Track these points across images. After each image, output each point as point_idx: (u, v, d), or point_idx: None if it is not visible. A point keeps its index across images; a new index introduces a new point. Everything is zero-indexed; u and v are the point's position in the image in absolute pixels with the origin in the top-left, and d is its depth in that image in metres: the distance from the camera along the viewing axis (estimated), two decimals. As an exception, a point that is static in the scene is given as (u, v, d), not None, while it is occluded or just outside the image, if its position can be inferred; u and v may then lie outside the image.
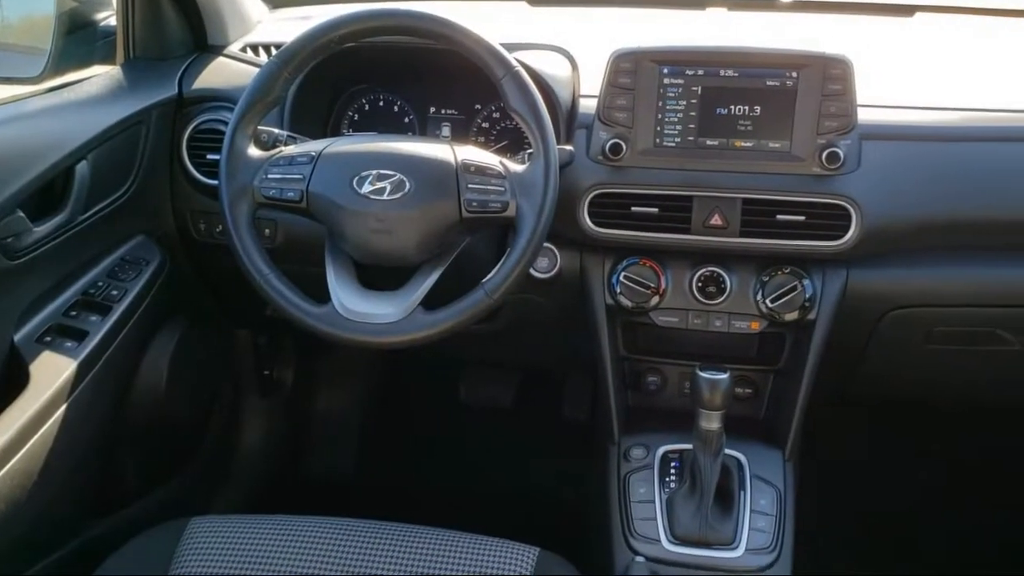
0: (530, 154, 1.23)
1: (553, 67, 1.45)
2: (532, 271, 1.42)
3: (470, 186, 1.20)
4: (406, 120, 1.58)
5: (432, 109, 1.58)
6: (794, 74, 1.31)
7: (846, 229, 1.33)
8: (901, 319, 1.43)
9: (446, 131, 1.57)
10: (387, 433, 2.28)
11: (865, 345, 1.48)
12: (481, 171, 1.21)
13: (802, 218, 1.33)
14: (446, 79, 1.51)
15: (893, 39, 1.70)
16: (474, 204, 1.20)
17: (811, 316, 1.39)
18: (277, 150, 1.27)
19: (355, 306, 1.20)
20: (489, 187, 1.20)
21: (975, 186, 1.36)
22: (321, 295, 1.23)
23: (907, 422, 2.06)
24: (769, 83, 1.32)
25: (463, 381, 2.24)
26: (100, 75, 1.52)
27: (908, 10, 1.77)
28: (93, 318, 1.36)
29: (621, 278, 1.41)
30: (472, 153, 1.24)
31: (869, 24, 1.77)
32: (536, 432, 2.17)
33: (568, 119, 1.41)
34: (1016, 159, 1.36)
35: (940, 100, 1.42)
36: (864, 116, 1.32)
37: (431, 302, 1.22)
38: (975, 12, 1.83)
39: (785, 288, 1.38)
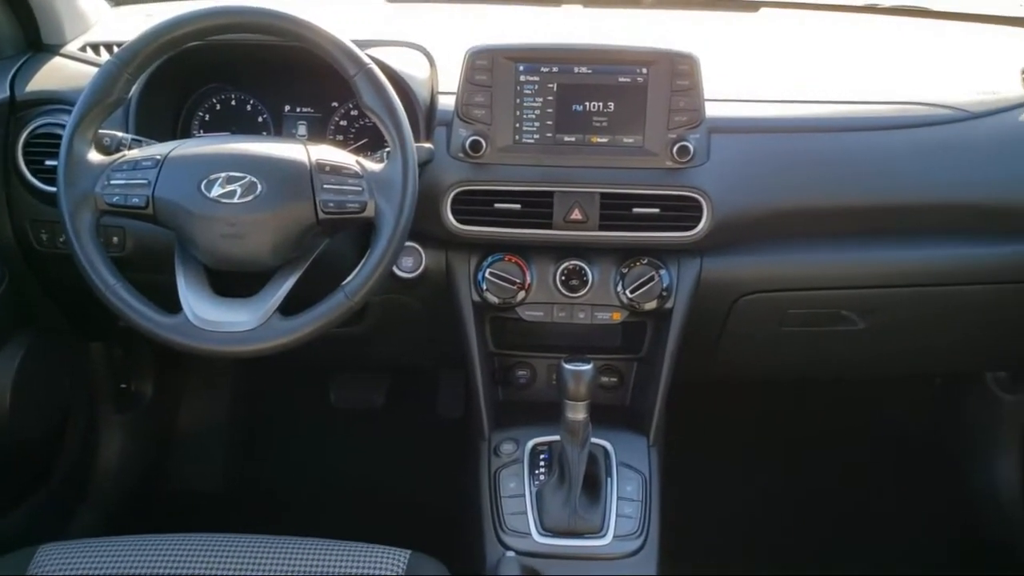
0: (388, 152, 1.22)
1: (410, 64, 1.43)
2: (396, 271, 1.41)
3: (325, 186, 1.18)
4: (260, 119, 1.54)
5: (287, 107, 1.54)
6: (644, 70, 1.34)
7: (698, 220, 1.37)
8: (754, 304, 1.49)
9: (302, 130, 1.54)
10: (256, 441, 2.22)
11: (721, 330, 1.53)
12: (337, 171, 1.19)
13: (656, 210, 1.37)
14: (301, 76, 1.47)
15: (740, 34, 1.77)
16: (330, 205, 1.18)
17: (669, 305, 1.44)
18: (120, 154, 1.22)
19: (208, 315, 1.17)
20: (346, 187, 1.18)
21: (819, 175, 1.43)
22: (175, 304, 1.19)
23: (773, 401, 2.15)
24: (621, 80, 1.35)
25: (332, 385, 2.21)
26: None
27: (753, 5, 1.84)
28: None
29: (487, 275, 1.42)
30: (327, 152, 1.22)
31: (717, 20, 1.83)
32: (410, 432, 2.16)
33: (427, 116, 1.40)
34: (856, 147, 1.44)
35: (785, 93, 1.48)
36: (712, 110, 1.37)
37: (290, 307, 1.19)
38: (817, 7, 1.92)
39: (643, 279, 1.42)
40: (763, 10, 1.83)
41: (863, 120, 1.44)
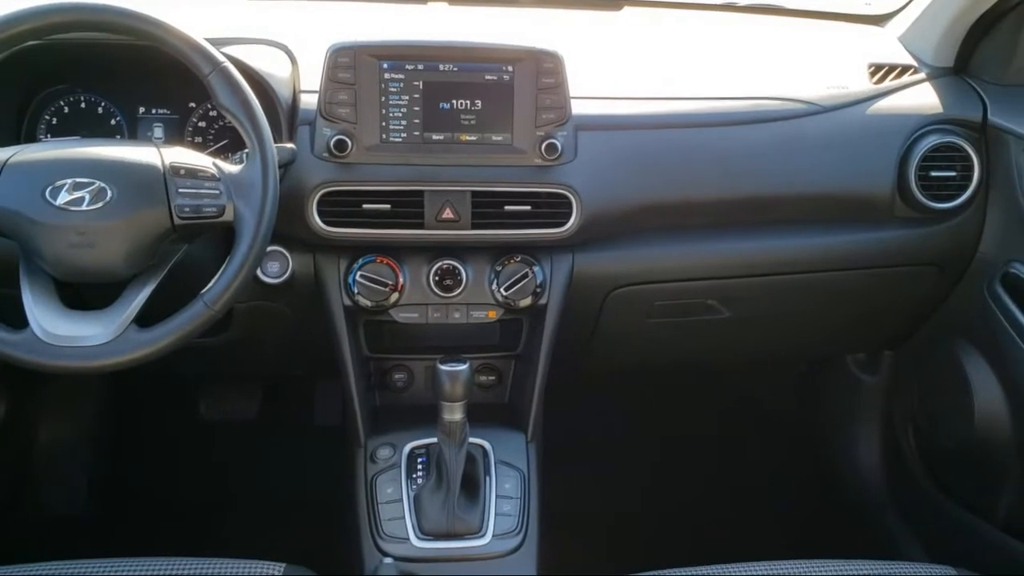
0: (247, 154, 1.18)
1: (270, 63, 1.40)
2: (262, 276, 1.38)
3: (180, 190, 1.13)
4: (113, 122, 1.47)
5: (142, 109, 1.47)
6: (509, 68, 1.34)
7: (568, 216, 1.38)
8: (624, 297, 1.52)
9: (159, 132, 1.47)
10: (122, 460, 2.12)
11: (595, 324, 1.56)
12: (192, 173, 1.15)
13: (528, 208, 1.38)
14: (157, 76, 1.41)
15: (604, 32, 1.79)
16: (186, 210, 1.13)
17: (543, 301, 1.44)
18: None
19: (57, 329, 1.10)
20: (202, 190, 1.14)
21: (682, 170, 1.47)
22: (22, 319, 1.12)
23: (648, 391, 2.19)
24: (487, 77, 1.34)
25: (202, 396, 2.13)
26: None
27: (616, 4, 1.87)
28: None
29: (358, 277, 1.40)
30: (182, 155, 1.17)
31: (582, 18, 1.85)
32: (286, 442, 2.10)
33: (289, 116, 1.37)
34: (717, 142, 1.48)
35: (649, 90, 1.51)
36: (579, 108, 1.38)
37: (148, 318, 1.14)
38: (678, 6, 1.97)
39: (517, 276, 1.42)
40: (626, 8, 1.86)
41: (723, 115, 1.49)
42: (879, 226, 1.55)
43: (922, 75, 1.62)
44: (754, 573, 1.14)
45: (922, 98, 1.58)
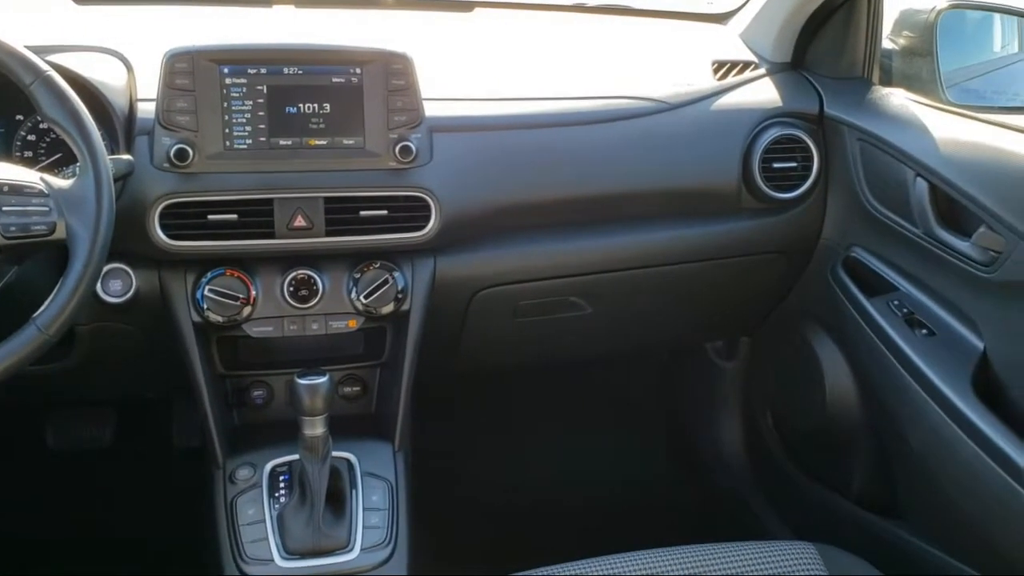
0: (79, 167, 1.11)
1: (103, 70, 1.33)
2: (104, 296, 1.30)
3: (5, 208, 1.06)
4: None
5: None
6: (358, 70, 1.32)
7: (427, 220, 1.37)
8: (489, 298, 1.51)
9: None
10: None
11: (461, 327, 1.55)
12: (17, 190, 1.07)
13: (384, 212, 1.35)
14: None
15: (456, 34, 1.79)
16: (12, 228, 1.06)
17: (405, 307, 1.42)
18: None
19: None
20: (29, 208, 1.07)
21: (538, 169, 1.48)
22: None
23: (516, 389, 2.20)
24: (335, 80, 1.32)
25: (48, 424, 2.00)
26: None
27: (467, 5, 1.87)
28: None
29: (206, 292, 1.34)
30: (4, 171, 1.10)
31: (434, 20, 1.84)
32: (143, 469, 2.00)
33: (126, 125, 1.30)
34: (570, 141, 1.50)
35: (503, 91, 1.51)
36: (433, 110, 1.37)
37: None
38: (529, 7, 1.98)
39: (377, 283, 1.39)
40: (477, 10, 1.86)
41: (576, 115, 1.51)
42: (728, 217, 1.60)
43: (762, 71, 1.68)
44: (618, 570, 1.15)
45: (763, 93, 1.64)
